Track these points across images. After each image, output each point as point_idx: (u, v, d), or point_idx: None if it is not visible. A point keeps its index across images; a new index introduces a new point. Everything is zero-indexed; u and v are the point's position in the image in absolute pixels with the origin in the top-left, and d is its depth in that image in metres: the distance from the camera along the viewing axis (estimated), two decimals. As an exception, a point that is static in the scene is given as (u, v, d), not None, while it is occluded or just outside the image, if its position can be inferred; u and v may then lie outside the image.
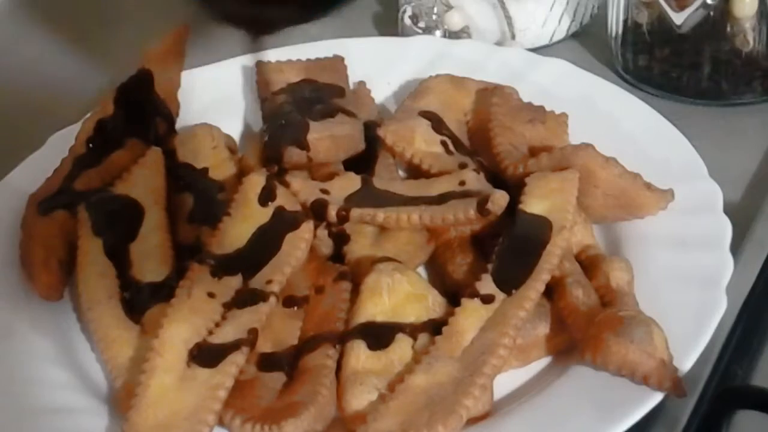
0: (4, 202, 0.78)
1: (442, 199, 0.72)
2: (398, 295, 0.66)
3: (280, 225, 0.71)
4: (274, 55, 0.86)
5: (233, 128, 0.84)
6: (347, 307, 0.67)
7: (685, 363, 0.61)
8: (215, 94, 0.86)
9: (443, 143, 0.77)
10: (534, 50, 0.89)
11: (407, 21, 0.94)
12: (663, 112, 0.79)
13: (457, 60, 0.86)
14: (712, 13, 0.83)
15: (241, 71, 0.88)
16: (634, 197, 0.71)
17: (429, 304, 0.67)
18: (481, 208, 0.69)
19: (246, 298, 0.67)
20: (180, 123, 0.83)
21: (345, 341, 0.65)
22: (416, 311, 0.66)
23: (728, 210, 0.70)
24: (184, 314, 0.66)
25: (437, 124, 0.78)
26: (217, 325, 0.66)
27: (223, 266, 0.69)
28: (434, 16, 0.93)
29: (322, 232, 0.72)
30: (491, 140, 0.76)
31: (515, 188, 0.70)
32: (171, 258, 0.72)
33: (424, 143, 0.77)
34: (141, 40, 0.93)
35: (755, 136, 0.83)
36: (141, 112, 0.80)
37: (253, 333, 0.65)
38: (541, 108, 0.79)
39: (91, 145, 0.79)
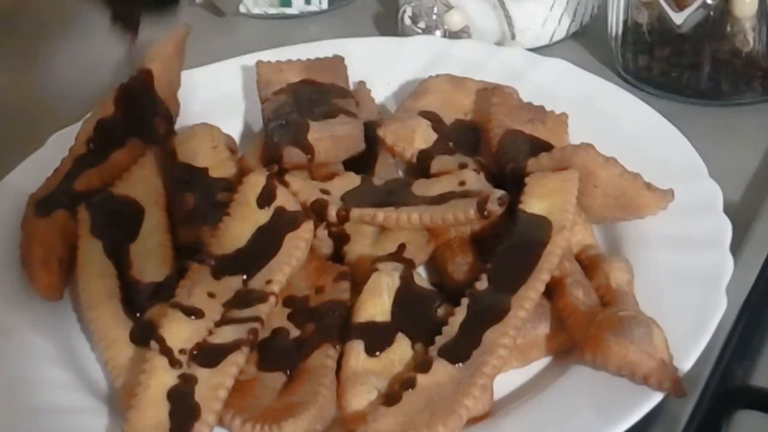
0: (4, 202, 0.78)
1: (442, 199, 0.72)
2: (398, 295, 0.67)
3: (280, 225, 0.71)
4: (274, 55, 0.86)
5: (233, 128, 0.84)
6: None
7: (685, 363, 0.61)
8: (215, 94, 0.86)
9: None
10: (534, 50, 0.89)
11: (407, 21, 0.94)
12: (663, 112, 0.79)
13: (457, 60, 0.86)
14: (712, 13, 0.83)
15: (241, 71, 0.88)
16: (634, 197, 0.71)
17: (429, 304, 0.67)
18: (481, 208, 0.69)
19: (246, 298, 0.67)
20: (180, 123, 0.83)
21: (345, 341, 0.65)
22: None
23: (728, 210, 0.70)
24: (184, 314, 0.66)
25: (437, 124, 0.78)
26: (217, 325, 0.66)
27: (223, 266, 0.69)
28: (434, 16, 0.93)
29: (322, 232, 0.72)
30: (491, 140, 0.76)
31: (515, 188, 0.70)
32: (171, 258, 0.72)
33: (424, 143, 0.77)
34: (141, 40, 0.94)
35: (755, 136, 0.83)
36: (141, 112, 0.80)
37: (253, 333, 0.65)
38: (541, 108, 0.79)
39: (91, 145, 0.79)
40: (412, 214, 0.70)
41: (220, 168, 0.77)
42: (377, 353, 0.64)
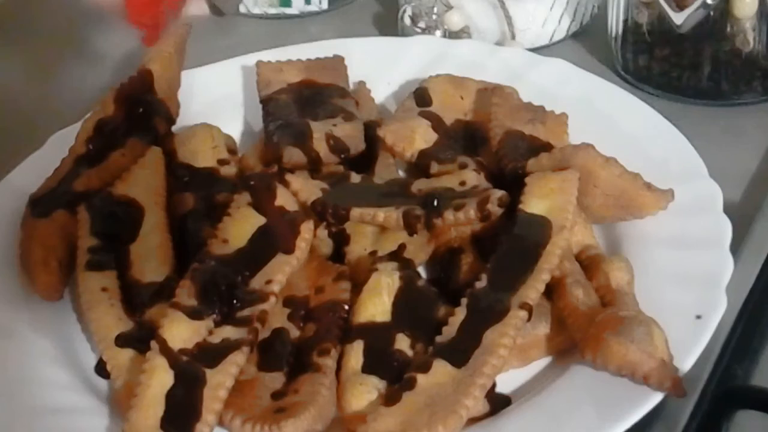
0: (4, 202, 0.78)
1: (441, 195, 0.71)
2: (398, 295, 0.67)
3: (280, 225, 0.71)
4: (274, 55, 0.86)
5: (233, 128, 0.84)
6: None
7: (685, 363, 0.61)
8: (215, 94, 0.86)
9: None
10: (534, 50, 0.89)
11: (407, 21, 0.94)
12: (663, 112, 0.79)
13: (457, 60, 0.86)
14: (712, 13, 0.83)
15: (241, 71, 0.88)
16: (634, 197, 0.71)
17: (429, 304, 0.67)
18: (481, 208, 0.69)
19: (246, 298, 0.67)
20: (180, 123, 0.83)
21: (345, 341, 0.65)
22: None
23: (728, 210, 0.70)
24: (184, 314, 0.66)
25: (437, 124, 0.78)
26: (218, 324, 0.66)
27: (223, 266, 0.69)
28: (434, 16, 0.93)
29: (322, 232, 0.72)
30: (491, 140, 0.76)
31: (515, 188, 0.70)
32: (171, 258, 0.72)
33: (424, 143, 0.77)
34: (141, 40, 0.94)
35: (755, 136, 0.83)
36: (141, 112, 0.80)
37: (253, 333, 0.65)
38: (541, 108, 0.79)
39: (91, 145, 0.79)
40: (412, 214, 0.70)
41: (220, 168, 0.77)
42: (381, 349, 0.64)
